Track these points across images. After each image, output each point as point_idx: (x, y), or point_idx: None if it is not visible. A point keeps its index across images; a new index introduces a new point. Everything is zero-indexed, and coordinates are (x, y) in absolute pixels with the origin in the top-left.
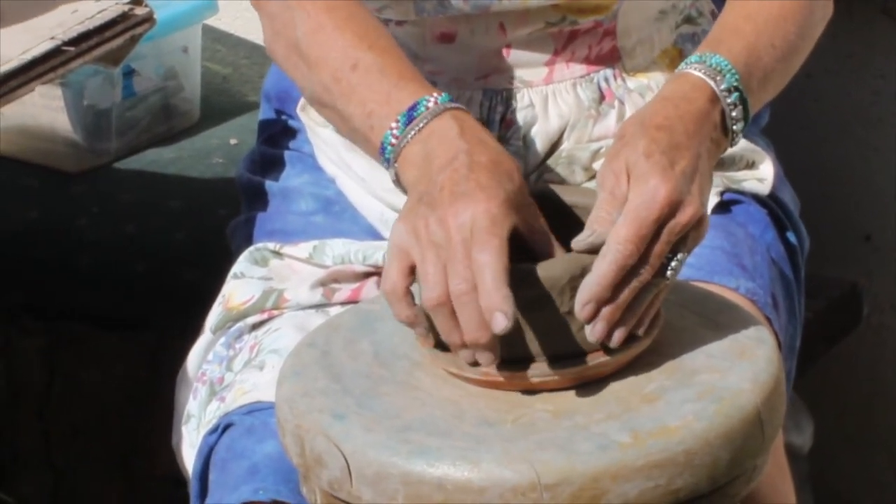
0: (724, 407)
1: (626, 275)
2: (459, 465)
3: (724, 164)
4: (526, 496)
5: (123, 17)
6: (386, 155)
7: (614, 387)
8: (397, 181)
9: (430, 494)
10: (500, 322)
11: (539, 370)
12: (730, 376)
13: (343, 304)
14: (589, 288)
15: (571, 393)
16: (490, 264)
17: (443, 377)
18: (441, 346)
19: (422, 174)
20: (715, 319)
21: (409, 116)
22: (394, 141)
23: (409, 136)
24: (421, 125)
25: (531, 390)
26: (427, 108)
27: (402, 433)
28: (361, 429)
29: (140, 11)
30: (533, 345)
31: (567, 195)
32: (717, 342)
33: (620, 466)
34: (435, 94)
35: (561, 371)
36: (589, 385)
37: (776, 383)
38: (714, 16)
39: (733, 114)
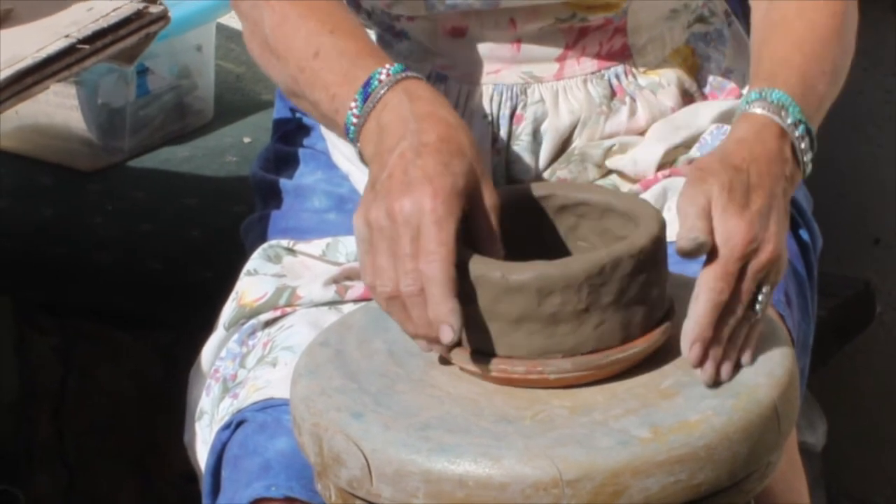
0: (741, 402)
1: (721, 313)
2: (481, 461)
3: None
4: (548, 492)
5: (138, 15)
6: (350, 135)
7: (630, 383)
8: (361, 159)
9: (452, 492)
10: (447, 335)
11: (557, 366)
12: (745, 371)
13: (356, 301)
14: (691, 330)
15: (588, 389)
16: (436, 278)
17: (458, 374)
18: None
19: (375, 152)
20: None
21: (365, 93)
22: (355, 120)
23: (367, 111)
24: (375, 100)
25: (548, 386)
26: (380, 80)
27: (421, 431)
28: (380, 427)
29: (154, 10)
30: (550, 341)
31: (576, 192)
32: None
33: (641, 462)
34: (388, 66)
35: (579, 367)
36: (605, 381)
37: (791, 378)
38: (727, 16)
39: (802, 146)
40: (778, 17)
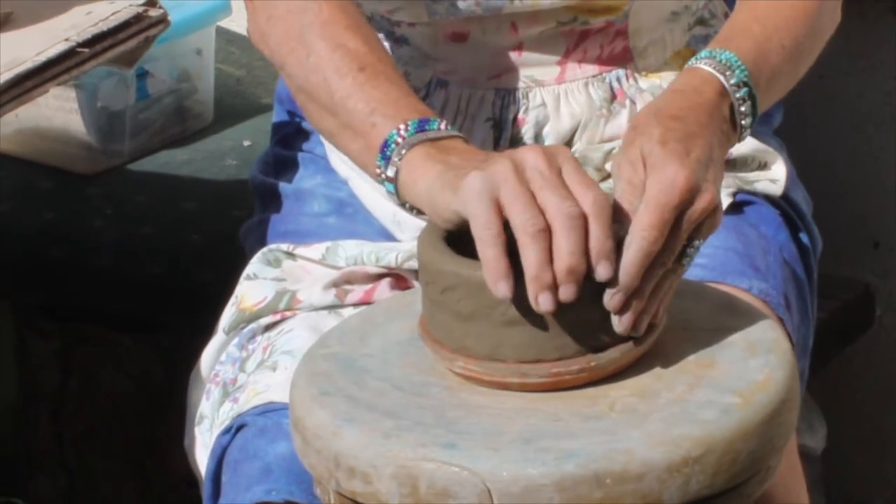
0: (778, 357)
1: (651, 263)
2: (613, 457)
3: (736, 165)
4: (680, 472)
5: (137, 18)
6: (388, 152)
7: (659, 364)
8: (393, 178)
9: (589, 493)
10: (607, 271)
11: (608, 357)
12: (753, 330)
13: (356, 305)
14: (619, 277)
15: (629, 379)
16: (605, 210)
17: (489, 393)
18: (455, 348)
19: (461, 160)
20: (723, 304)
21: (421, 126)
22: (399, 140)
23: (420, 138)
24: (433, 136)
25: (587, 383)
26: (440, 127)
27: (526, 444)
28: (487, 450)
29: (154, 13)
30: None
31: None
32: (714, 312)
33: (747, 425)
34: (445, 122)
35: (625, 355)
36: (634, 370)
37: (791, 380)
38: (727, 18)
39: (742, 108)
40: None
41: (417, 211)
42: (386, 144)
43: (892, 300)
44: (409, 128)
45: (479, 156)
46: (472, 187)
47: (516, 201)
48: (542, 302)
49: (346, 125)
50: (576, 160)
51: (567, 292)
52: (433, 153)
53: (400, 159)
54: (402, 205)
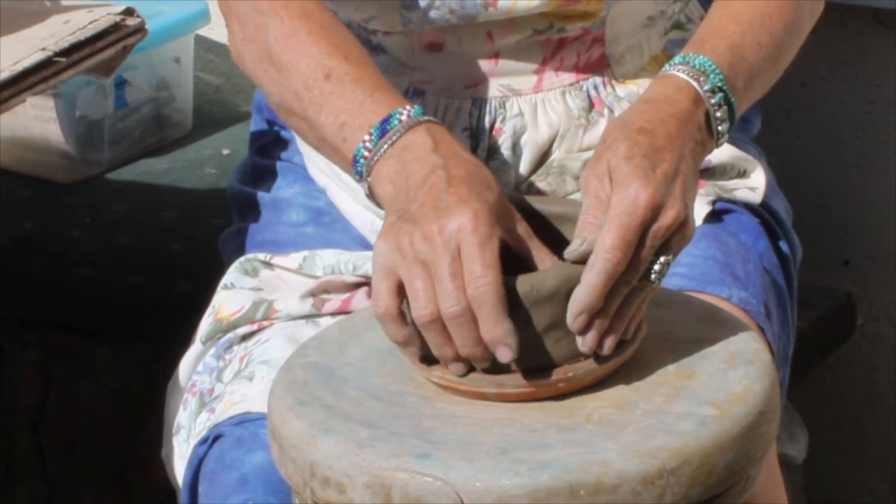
0: (758, 368)
1: (615, 283)
2: (588, 468)
3: (715, 174)
4: (655, 485)
5: (115, 27)
6: (358, 168)
7: (638, 376)
8: (370, 195)
9: None
10: (506, 355)
11: (585, 368)
12: (733, 341)
13: (333, 314)
14: (580, 299)
15: (606, 390)
16: (488, 300)
17: (466, 403)
18: (431, 360)
19: (398, 191)
20: (698, 314)
21: (383, 129)
22: (366, 154)
23: (383, 149)
24: (394, 139)
25: (566, 393)
26: (400, 120)
27: (501, 455)
28: (460, 461)
29: (132, 22)
30: (573, 345)
31: (553, 206)
32: (695, 323)
33: (723, 437)
34: (408, 107)
35: (603, 365)
36: (612, 381)
37: (771, 389)
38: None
39: (718, 114)
40: None
41: None
42: (356, 161)
43: (873, 309)
44: (373, 137)
45: (428, 164)
46: (377, 264)
47: (411, 293)
48: (454, 369)
49: (323, 139)
50: (480, 238)
51: (482, 366)
52: (391, 164)
53: (369, 175)
54: None
